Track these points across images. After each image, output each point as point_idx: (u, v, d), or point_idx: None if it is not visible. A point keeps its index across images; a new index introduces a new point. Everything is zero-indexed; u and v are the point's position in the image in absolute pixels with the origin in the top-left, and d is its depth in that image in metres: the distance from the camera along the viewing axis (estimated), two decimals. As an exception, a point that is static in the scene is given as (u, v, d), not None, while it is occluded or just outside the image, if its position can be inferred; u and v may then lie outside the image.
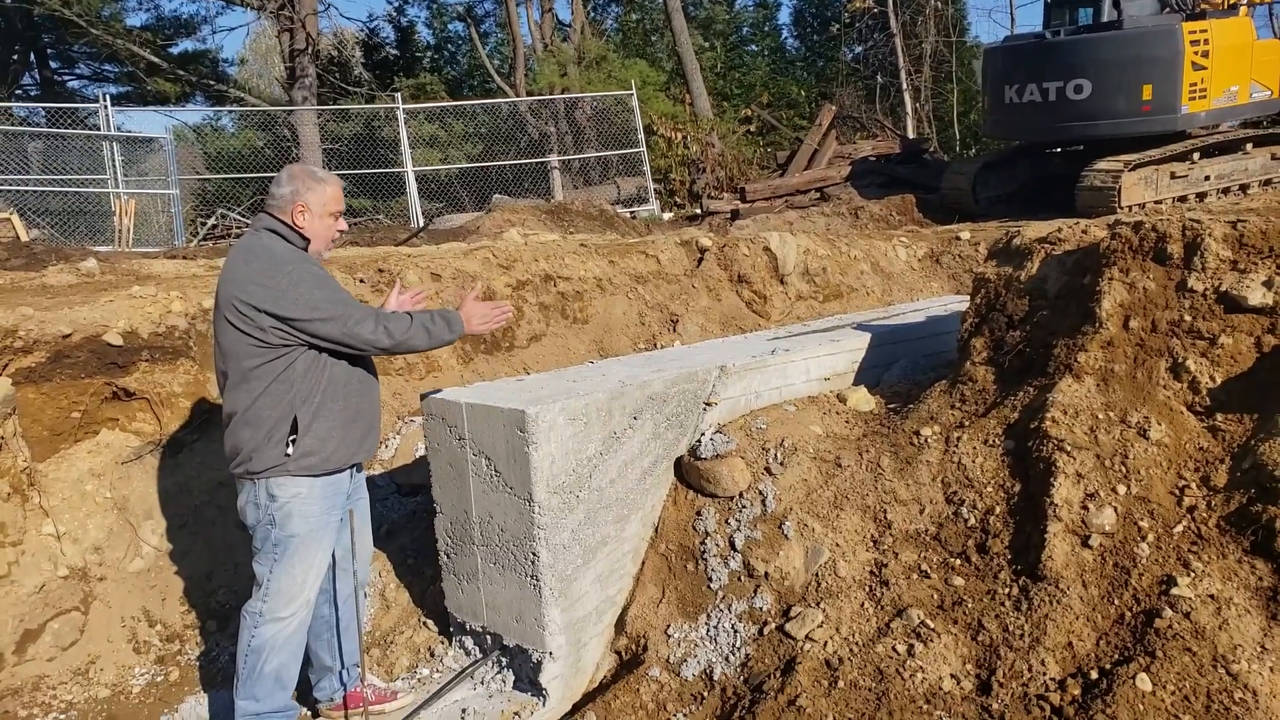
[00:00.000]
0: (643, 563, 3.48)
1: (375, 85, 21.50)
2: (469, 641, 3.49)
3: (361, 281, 5.45)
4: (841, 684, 2.79)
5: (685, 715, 3.01)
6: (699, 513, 3.48)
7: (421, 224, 12.14)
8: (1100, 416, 3.05)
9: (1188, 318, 3.08)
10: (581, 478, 3.21)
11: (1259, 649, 2.42)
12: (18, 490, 3.69)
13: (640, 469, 3.44)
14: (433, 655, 3.58)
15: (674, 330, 6.37)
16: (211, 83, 21.40)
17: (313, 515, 2.94)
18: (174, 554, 4.02)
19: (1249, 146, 11.33)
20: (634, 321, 6.31)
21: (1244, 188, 11.33)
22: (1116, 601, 2.67)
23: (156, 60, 19.95)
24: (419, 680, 3.48)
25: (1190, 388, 3.01)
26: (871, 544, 3.21)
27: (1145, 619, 2.58)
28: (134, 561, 3.93)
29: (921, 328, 4.58)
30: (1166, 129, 10.66)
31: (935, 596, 2.95)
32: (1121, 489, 2.87)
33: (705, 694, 3.05)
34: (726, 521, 3.42)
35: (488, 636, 3.40)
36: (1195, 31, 10.45)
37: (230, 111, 20.07)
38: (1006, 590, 2.85)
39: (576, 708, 3.23)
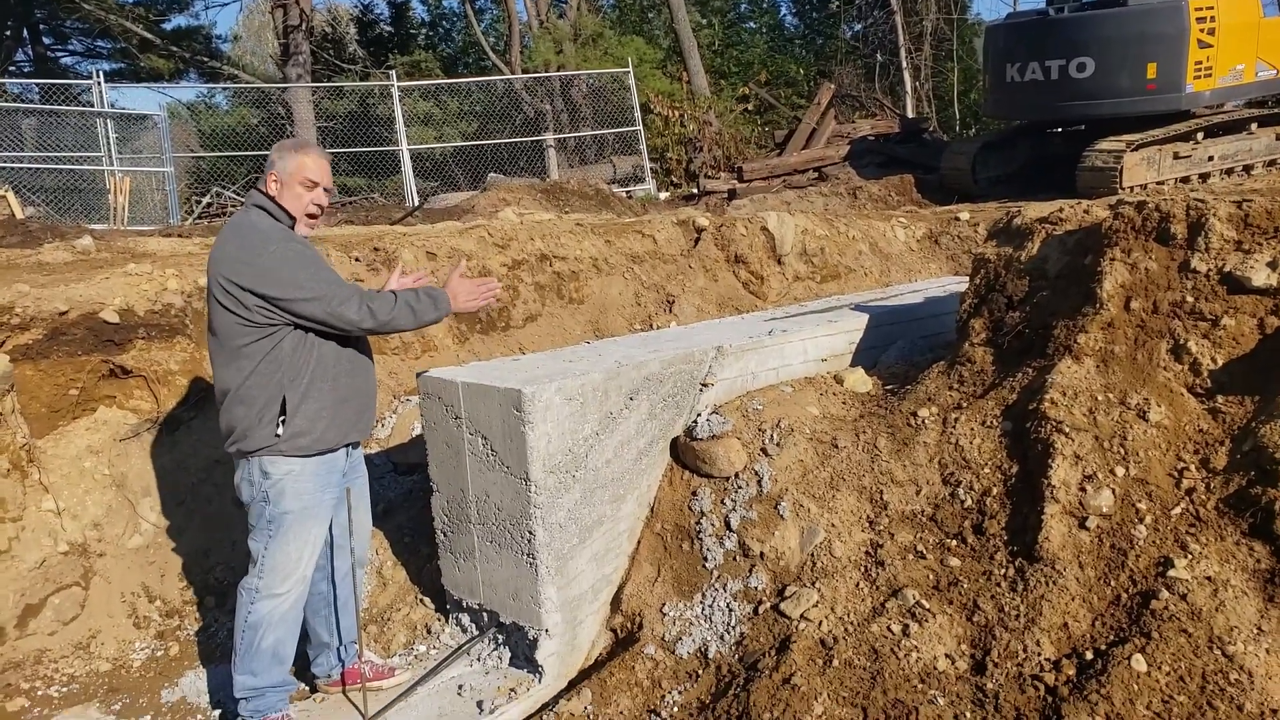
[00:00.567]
0: (638, 542, 3.48)
1: (370, 62, 21.30)
2: (465, 619, 3.50)
3: (357, 260, 5.42)
4: (836, 663, 2.80)
5: (680, 693, 3.02)
6: (695, 493, 3.47)
7: (416, 203, 12.06)
8: (1099, 398, 3.04)
9: (1190, 299, 3.05)
10: (578, 457, 3.20)
11: (1255, 631, 2.43)
12: (17, 466, 3.70)
13: (636, 449, 3.43)
14: (429, 632, 3.60)
15: (670, 311, 6.34)
16: (205, 59, 21.20)
17: (306, 493, 2.94)
18: (172, 530, 4.03)
19: (1254, 126, 11.18)
20: (630, 302, 6.28)
21: (1248, 168, 11.21)
22: (1113, 583, 2.67)
23: (149, 36, 19.73)
24: (416, 657, 3.49)
25: (1191, 369, 2.99)
26: (867, 524, 3.21)
27: (1141, 600, 2.59)
28: (133, 538, 3.94)
29: (920, 309, 4.57)
30: (1171, 108, 10.48)
31: (931, 577, 2.95)
32: (1120, 471, 2.87)
33: (700, 672, 3.06)
34: (722, 502, 3.41)
35: (484, 614, 3.41)
36: (1201, 9, 10.28)
37: (224, 89, 19.88)
38: (1002, 571, 2.85)
39: (572, 684, 3.24)
